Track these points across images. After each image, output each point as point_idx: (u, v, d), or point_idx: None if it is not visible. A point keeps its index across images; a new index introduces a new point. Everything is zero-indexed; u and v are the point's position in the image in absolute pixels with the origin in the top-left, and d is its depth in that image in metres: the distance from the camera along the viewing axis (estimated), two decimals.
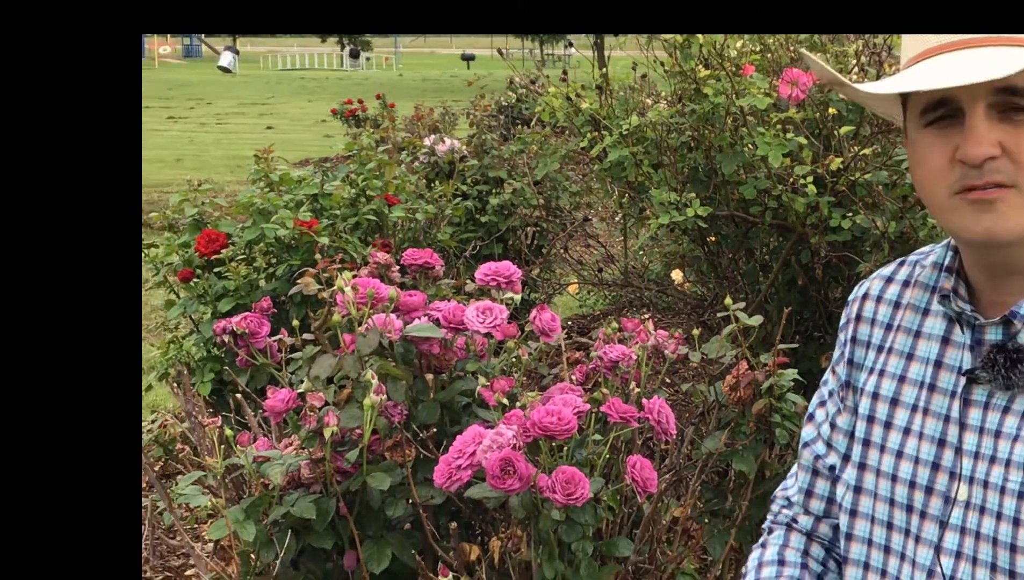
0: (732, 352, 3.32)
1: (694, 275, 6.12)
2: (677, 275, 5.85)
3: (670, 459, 3.43)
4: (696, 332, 3.39)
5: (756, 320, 3.26)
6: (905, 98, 1.81)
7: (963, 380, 1.80)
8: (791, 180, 4.58)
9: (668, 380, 4.79)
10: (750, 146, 4.63)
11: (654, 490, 2.81)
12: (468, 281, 3.35)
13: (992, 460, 1.75)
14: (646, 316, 3.54)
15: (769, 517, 2.20)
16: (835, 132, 4.79)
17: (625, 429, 2.85)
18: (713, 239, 5.40)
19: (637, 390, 3.06)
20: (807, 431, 2.11)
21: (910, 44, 1.79)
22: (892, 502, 1.87)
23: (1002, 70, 1.59)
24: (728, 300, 3.25)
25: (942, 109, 1.69)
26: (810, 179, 4.49)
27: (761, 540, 2.15)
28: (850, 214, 4.57)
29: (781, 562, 2.05)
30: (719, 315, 3.68)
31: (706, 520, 3.40)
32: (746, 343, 3.27)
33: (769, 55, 5.23)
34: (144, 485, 5.64)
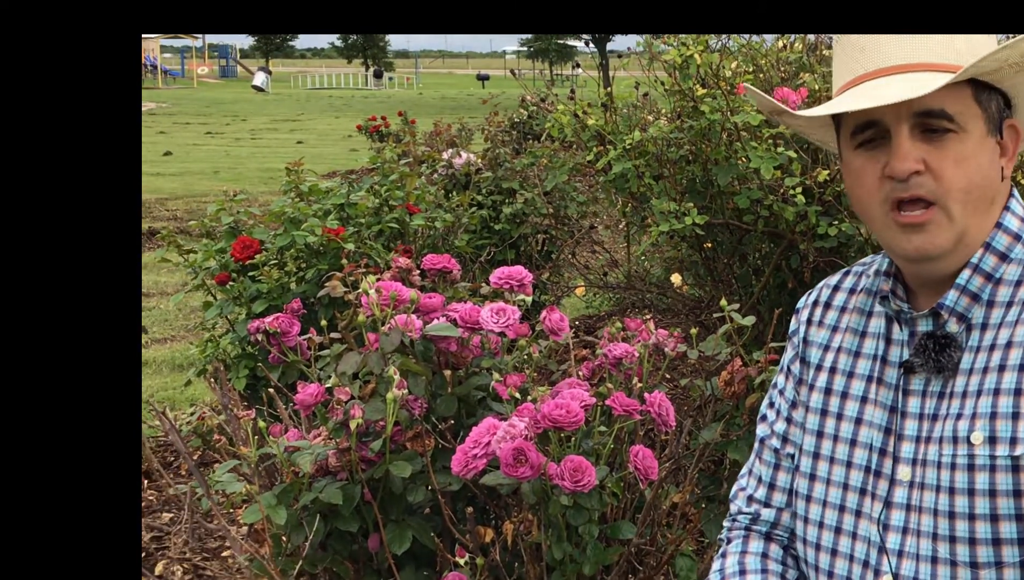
0: (727, 350, 3.31)
1: (692, 278, 6.11)
2: (676, 279, 5.83)
3: (670, 449, 3.42)
4: (694, 331, 3.38)
5: (749, 320, 3.26)
6: (838, 124, 1.88)
7: (901, 371, 1.86)
8: (782, 191, 4.58)
9: (668, 376, 4.78)
10: (744, 159, 4.62)
11: (655, 477, 2.80)
12: (483, 284, 3.34)
13: (928, 441, 1.79)
14: (648, 316, 3.53)
15: (727, 523, 2.18)
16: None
17: (628, 421, 2.85)
18: (709, 245, 5.40)
19: (639, 385, 3.06)
20: (762, 429, 2.14)
21: (840, 73, 1.87)
22: (846, 486, 1.90)
23: (913, 92, 1.68)
24: (723, 302, 3.25)
25: (870, 131, 1.78)
26: (799, 190, 4.49)
27: (721, 550, 2.14)
28: (836, 222, 4.57)
29: (742, 572, 2.05)
30: (715, 316, 3.67)
31: (703, 505, 3.39)
32: (740, 342, 3.27)
33: (761, 75, 5.23)
34: (184, 472, 5.65)
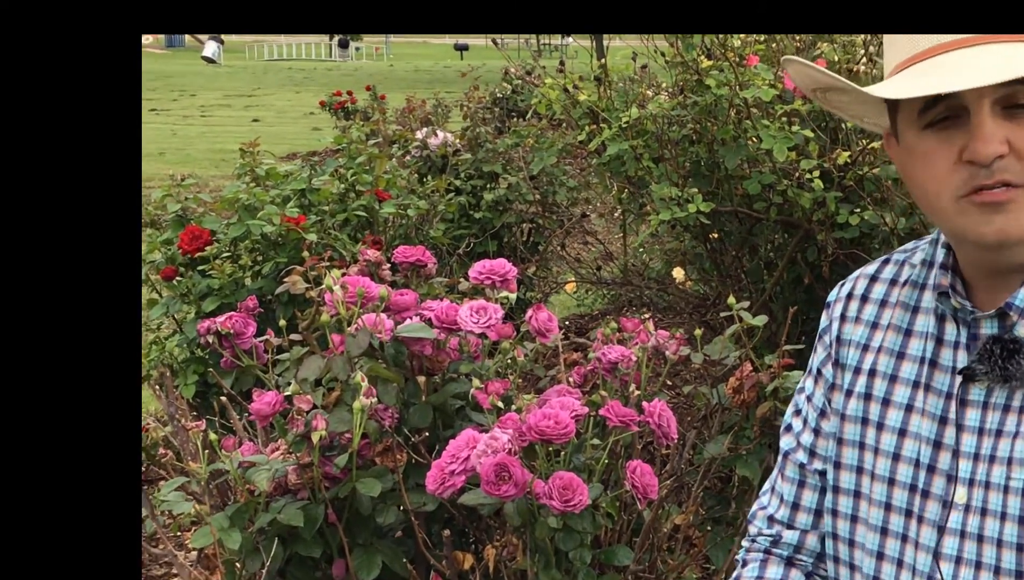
0: (736, 353, 3.32)
1: (696, 273, 6.12)
2: (678, 273, 5.85)
3: (671, 464, 3.43)
4: (698, 332, 3.39)
5: (760, 320, 3.26)
6: (895, 102, 1.79)
7: (959, 379, 1.80)
8: (797, 175, 4.59)
9: (669, 382, 4.79)
10: (754, 139, 4.63)
11: (655, 496, 2.81)
12: (462, 279, 3.35)
13: (992, 460, 1.75)
14: (646, 316, 3.54)
15: (745, 543, 2.15)
16: (843, 125, 4.79)
17: (625, 433, 2.85)
18: (716, 236, 5.41)
19: (637, 393, 3.06)
20: (786, 441, 2.10)
21: (900, 46, 1.78)
22: (889, 506, 1.87)
23: (1017, 69, 1.60)
24: (731, 299, 3.26)
25: (942, 108, 1.69)
26: (816, 173, 4.49)
27: (735, 574, 2.11)
28: (858, 210, 4.57)
29: None
30: (722, 315, 3.68)
31: (708, 528, 3.40)
32: (750, 344, 3.28)
33: (774, 45, 5.23)
34: None
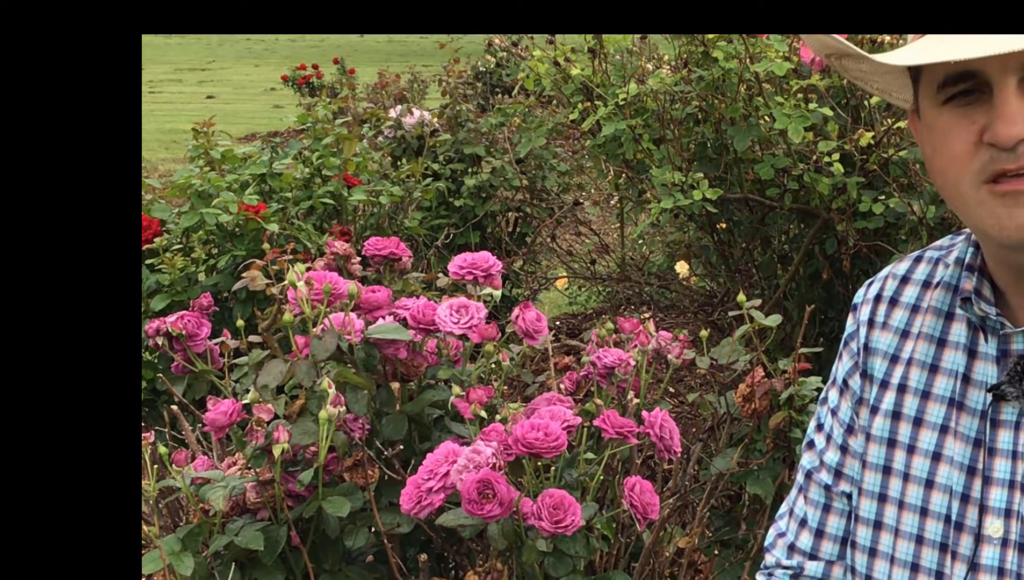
0: (746, 357, 3.32)
1: (702, 268, 6.13)
2: (682, 268, 5.85)
3: (674, 481, 3.43)
4: (704, 334, 3.39)
5: (774, 320, 3.26)
6: (917, 74, 1.77)
7: (989, 397, 1.78)
8: (814, 158, 4.59)
9: (672, 389, 4.79)
10: (766, 118, 4.63)
11: (656, 517, 2.81)
12: (440, 275, 3.35)
13: None
14: (646, 315, 3.54)
15: (761, 577, 2.12)
16: (865, 102, 4.79)
17: (622, 446, 2.85)
18: (724, 226, 5.41)
19: (636, 401, 3.06)
20: (808, 459, 2.08)
21: None
22: (921, 539, 1.84)
23: None
24: (741, 297, 3.26)
25: (964, 84, 1.65)
26: (836, 156, 4.49)
27: None
28: (883, 197, 4.57)
29: None
30: (731, 314, 3.68)
31: (715, 552, 3.40)
32: (762, 346, 3.28)
33: None
34: None
